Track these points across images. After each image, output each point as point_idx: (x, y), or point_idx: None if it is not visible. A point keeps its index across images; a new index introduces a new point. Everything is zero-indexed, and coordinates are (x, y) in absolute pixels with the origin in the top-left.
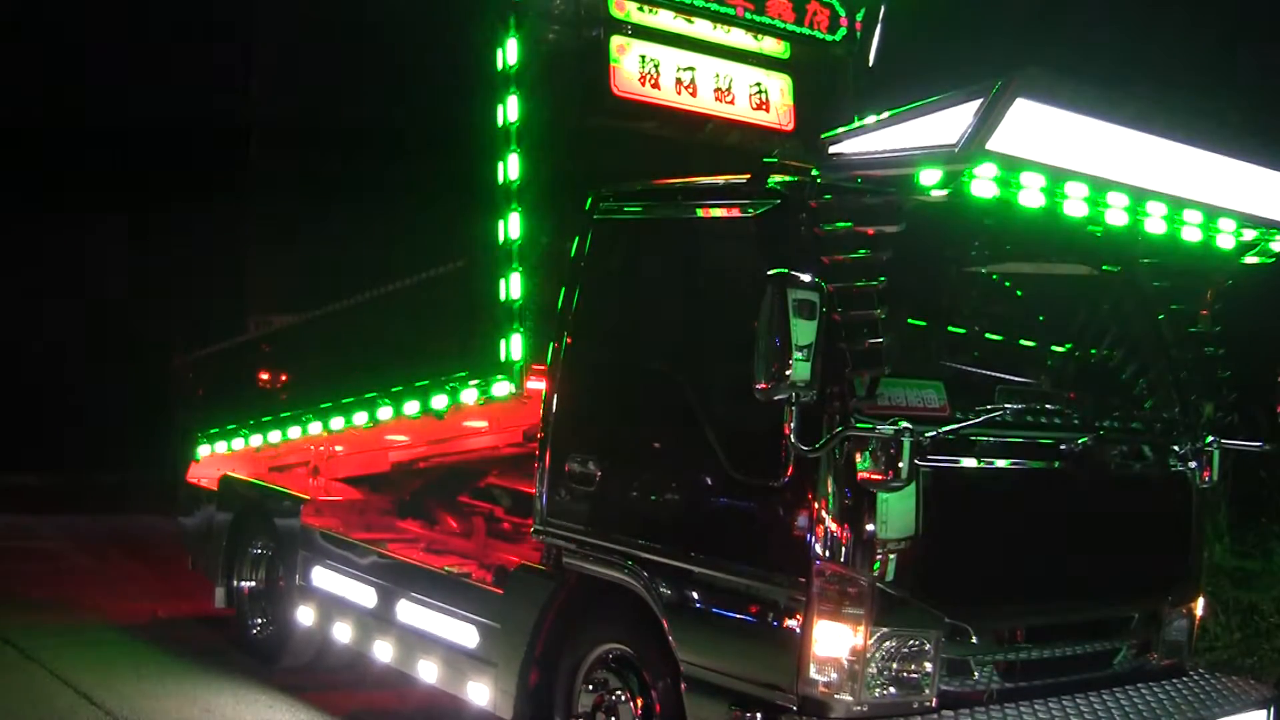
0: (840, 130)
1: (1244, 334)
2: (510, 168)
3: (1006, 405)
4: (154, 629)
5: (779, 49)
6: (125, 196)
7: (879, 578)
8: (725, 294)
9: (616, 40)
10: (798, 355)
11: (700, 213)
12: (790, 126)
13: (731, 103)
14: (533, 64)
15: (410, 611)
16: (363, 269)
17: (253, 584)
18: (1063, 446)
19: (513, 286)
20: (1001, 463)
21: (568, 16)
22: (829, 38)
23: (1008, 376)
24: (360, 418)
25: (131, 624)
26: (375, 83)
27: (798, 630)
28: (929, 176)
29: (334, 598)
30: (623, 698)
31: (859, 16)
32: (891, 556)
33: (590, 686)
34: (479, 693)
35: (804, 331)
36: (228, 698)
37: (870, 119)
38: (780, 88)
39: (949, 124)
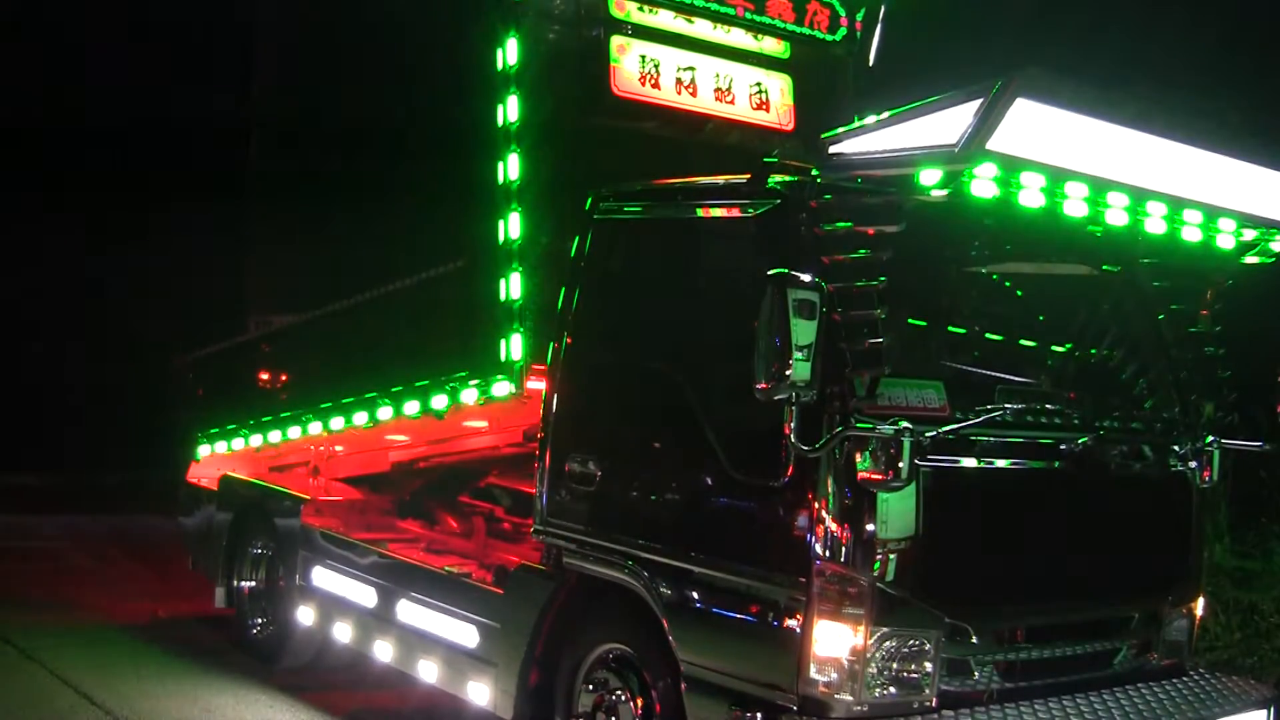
0: (840, 130)
1: (1244, 334)
2: (510, 168)
3: (1006, 405)
4: (154, 629)
5: (779, 49)
6: (125, 196)
7: (879, 578)
8: (725, 294)
9: (616, 40)
10: (798, 355)
11: (700, 213)
12: (790, 126)
13: (731, 103)
14: (533, 64)
15: (410, 611)
16: (363, 269)
17: (253, 584)
18: (1063, 446)
19: (513, 286)
20: (1001, 463)
21: (568, 16)
22: (829, 38)
23: (1008, 376)
24: (360, 418)
25: (131, 624)
26: (375, 83)
27: (798, 630)
28: (929, 176)
29: (334, 597)
30: (623, 697)
31: (859, 16)
32: (891, 556)
33: (590, 686)
34: (479, 693)
35: (804, 331)
36: (228, 698)
37: (870, 119)
38: (780, 88)
39: (949, 124)
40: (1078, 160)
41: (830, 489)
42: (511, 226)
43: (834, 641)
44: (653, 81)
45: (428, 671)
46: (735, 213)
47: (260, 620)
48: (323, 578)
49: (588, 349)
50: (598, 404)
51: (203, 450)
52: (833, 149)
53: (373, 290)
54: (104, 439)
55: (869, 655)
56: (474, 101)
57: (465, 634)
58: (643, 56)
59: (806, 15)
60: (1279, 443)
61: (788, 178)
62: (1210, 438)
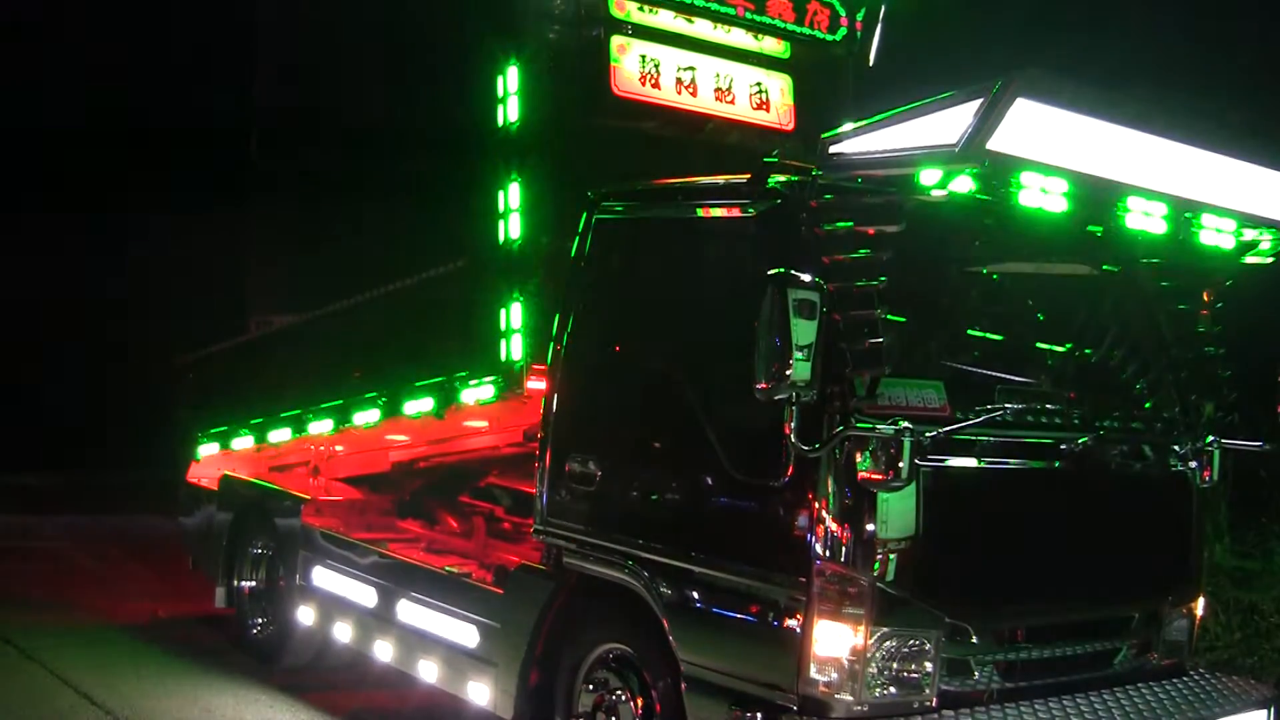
0: (840, 130)
1: (1244, 334)
2: (510, 168)
3: (1006, 405)
4: (154, 629)
5: (779, 49)
6: (125, 196)
7: (879, 578)
8: (725, 294)
9: (617, 40)
10: (798, 355)
11: (700, 213)
12: (790, 126)
13: (732, 102)
14: (533, 64)
15: (410, 611)
16: (363, 269)
17: (253, 584)
18: (1063, 446)
19: (513, 286)
20: (1001, 463)
21: (568, 16)
22: (829, 37)
23: (1008, 376)
24: (360, 417)
25: (131, 624)
26: (376, 83)
27: (798, 630)
28: (929, 176)
29: (334, 597)
30: (623, 697)
31: (859, 16)
32: (892, 556)
33: (590, 686)
34: (479, 692)
35: (804, 331)
36: (228, 698)
37: (870, 119)
38: (780, 87)
39: (949, 124)
40: (1078, 160)
41: (830, 489)
42: (511, 227)
43: (834, 641)
44: (653, 81)
45: (428, 671)
46: (735, 212)
47: (260, 620)
48: (323, 578)
49: (588, 349)
50: (598, 404)
51: (203, 450)
52: (833, 149)
53: (373, 290)
54: (104, 439)
55: (869, 655)
56: (474, 102)
57: (465, 634)
58: (643, 56)
59: (806, 15)
60: (1279, 443)
61: (788, 177)
62: (1210, 438)
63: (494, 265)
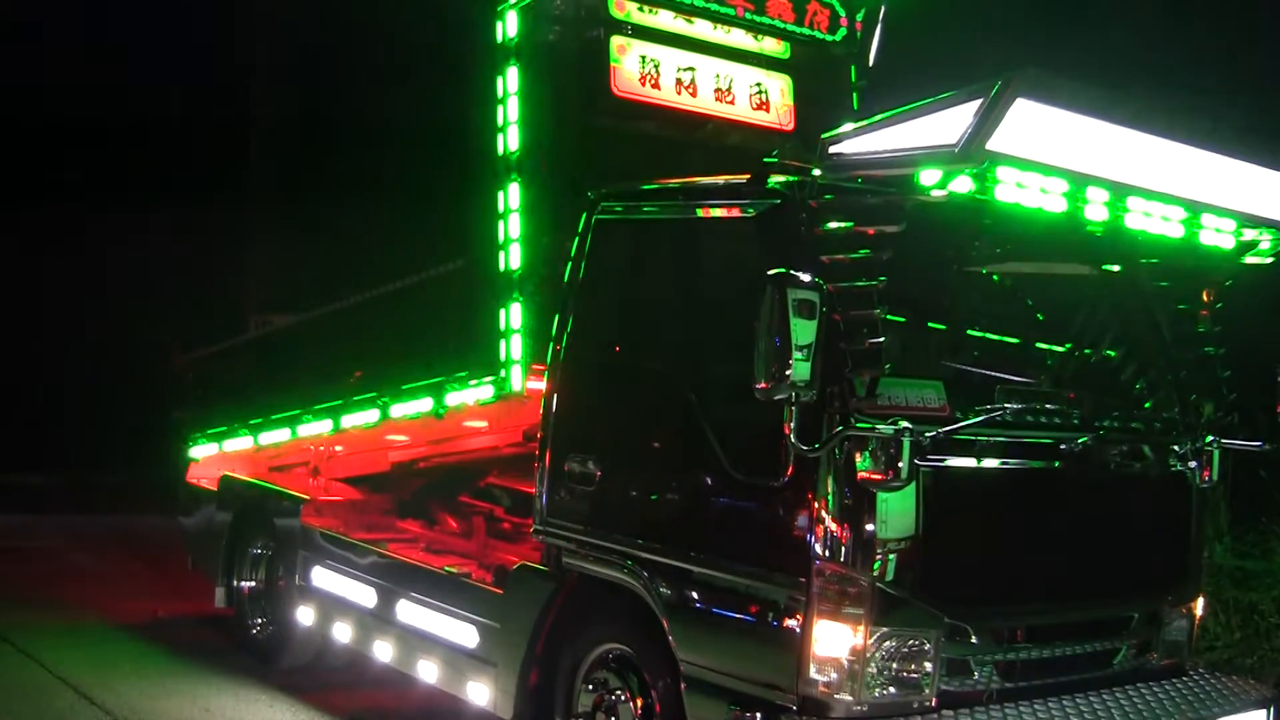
0: (840, 130)
1: (1244, 334)
2: (510, 169)
3: (1006, 405)
4: (154, 629)
5: (779, 49)
6: (126, 196)
7: (879, 578)
8: (725, 294)
9: (616, 40)
10: (798, 355)
11: (700, 213)
12: (790, 126)
13: (731, 103)
14: (533, 64)
15: (410, 611)
16: (362, 269)
17: (253, 584)
18: (1063, 446)
19: (512, 286)
20: (1001, 463)
21: (568, 17)
22: (829, 38)
23: (1008, 376)
24: (360, 417)
25: (131, 624)
26: (376, 84)
27: (798, 630)
28: (929, 176)
29: (334, 598)
30: (623, 697)
31: (859, 16)
32: (891, 556)
33: (590, 686)
34: (479, 693)
35: (804, 331)
36: (228, 698)
37: (870, 119)
38: (780, 88)
39: (949, 124)
40: (1077, 160)
41: (830, 489)
42: (511, 226)
43: (834, 641)
44: (653, 82)
45: (427, 671)
46: (735, 213)
47: (260, 620)
48: (323, 578)
49: (587, 349)
50: (598, 404)
51: (203, 450)
52: (833, 149)
53: (373, 290)
54: (104, 439)
55: (869, 655)
56: (474, 102)
57: (465, 634)
58: (643, 57)
59: (806, 15)
60: (1279, 443)
61: (788, 178)
62: (1210, 437)
63: (493, 265)
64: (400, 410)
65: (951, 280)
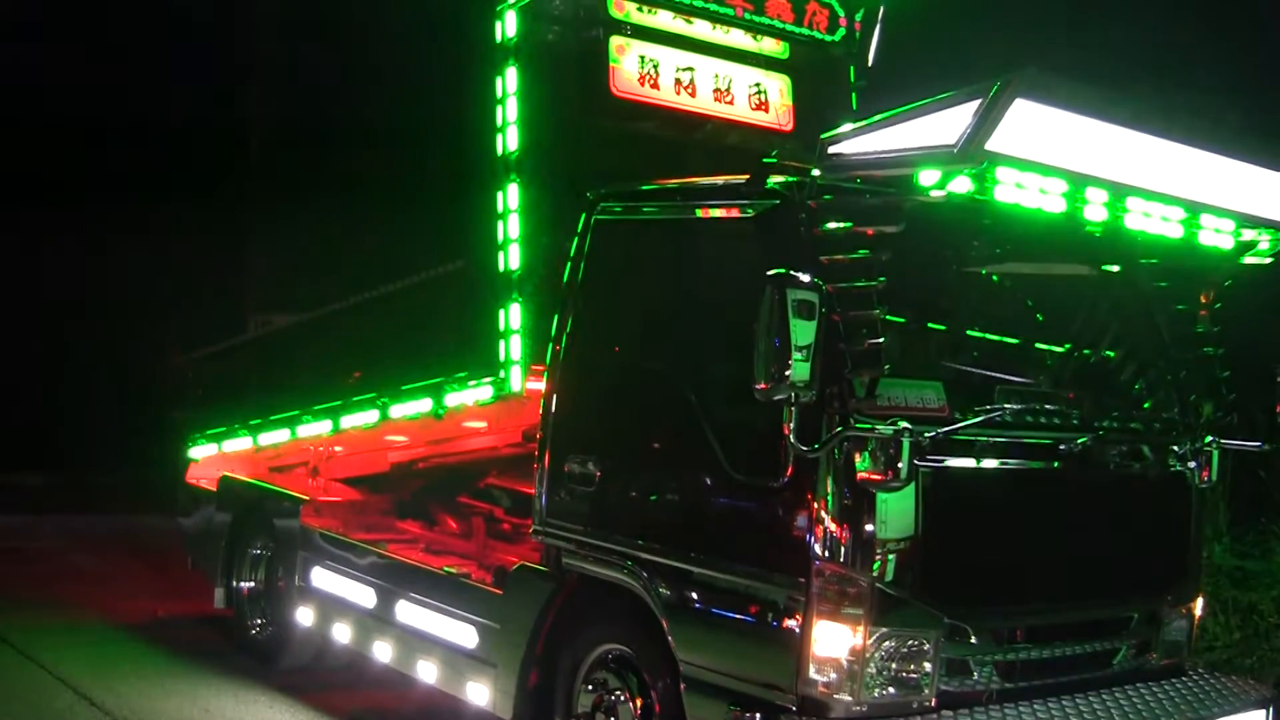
0: (839, 130)
1: (1244, 334)
2: (509, 168)
3: (1006, 405)
4: (154, 629)
5: (778, 49)
6: (125, 196)
7: (878, 578)
8: (725, 294)
9: (616, 40)
10: (797, 355)
11: (700, 213)
12: (789, 126)
13: (731, 103)
14: (532, 64)
15: (410, 612)
16: (363, 269)
17: (252, 584)
18: (1062, 446)
19: (511, 287)
20: (1001, 463)
21: (567, 17)
22: (828, 38)
23: (1007, 376)
24: (359, 418)
25: (131, 624)
26: (376, 84)
27: (797, 630)
28: (928, 177)
29: (333, 598)
30: (622, 698)
31: (858, 16)
32: (891, 556)
33: (590, 686)
34: (478, 693)
35: (803, 332)
36: (228, 698)
37: (870, 119)
38: (779, 88)
39: (948, 124)
40: (1077, 160)
41: (829, 489)
42: (511, 227)
43: (833, 641)
44: (652, 82)
45: (427, 672)
46: (734, 213)
47: (260, 621)
48: (322, 578)
49: (587, 349)
50: (597, 404)
51: (202, 450)
52: (832, 149)
53: (373, 290)
54: (104, 439)
55: (868, 655)
56: (473, 102)
57: (464, 634)
58: (642, 57)
59: (805, 15)
60: (1278, 443)
61: (787, 178)
62: (1209, 437)
63: (493, 265)
64: (399, 410)
65: (951, 280)
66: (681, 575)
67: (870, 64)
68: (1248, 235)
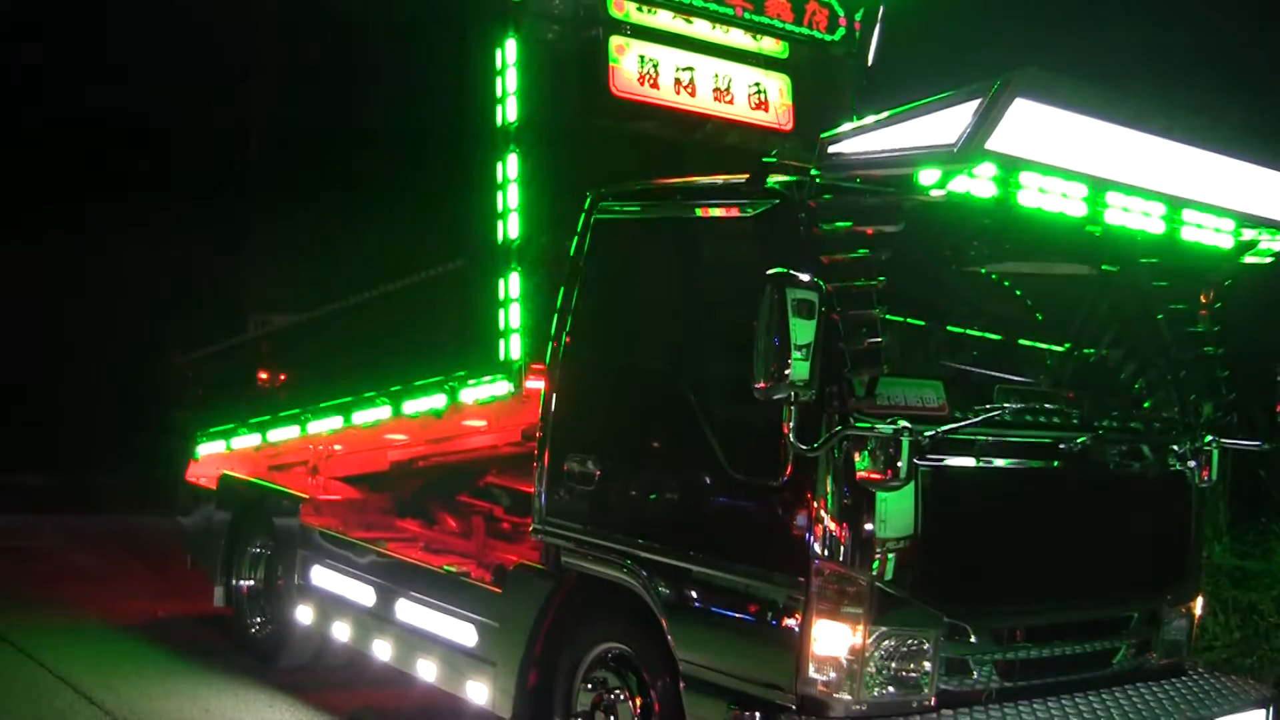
0: (839, 130)
1: (1244, 334)
2: (509, 167)
3: (1006, 405)
4: (154, 629)
5: (778, 49)
6: (125, 196)
7: (878, 577)
8: (724, 294)
9: (615, 40)
10: (796, 355)
11: (699, 213)
12: (789, 126)
13: (730, 103)
14: (532, 64)
15: (409, 610)
16: (362, 269)
17: (252, 583)
18: (1062, 446)
19: (512, 286)
20: (1001, 462)
21: (567, 16)
22: (828, 37)
23: (1007, 376)
24: (359, 417)
25: (131, 624)
26: (375, 83)
27: (797, 629)
28: (928, 176)
29: (333, 597)
30: (622, 697)
31: (858, 16)
32: (890, 556)
33: (589, 685)
34: (478, 692)
35: (803, 331)
36: (228, 697)
37: (870, 119)
38: (779, 87)
39: (948, 124)
40: (1077, 160)
41: (829, 488)
42: (510, 226)
43: (833, 641)
44: (651, 81)
45: (426, 671)
46: (734, 213)
47: (259, 619)
48: (322, 577)
49: (587, 348)
50: (597, 403)
51: (202, 449)
52: (832, 149)
53: (372, 290)
54: (104, 439)
55: (868, 654)
56: (473, 102)
57: (464, 633)
58: (641, 56)
59: (805, 15)
60: (1278, 442)
61: (787, 177)
62: (1209, 437)
63: (493, 265)
64: (400, 409)
65: (951, 280)
66: (681, 574)
67: (870, 63)
68: (1248, 234)
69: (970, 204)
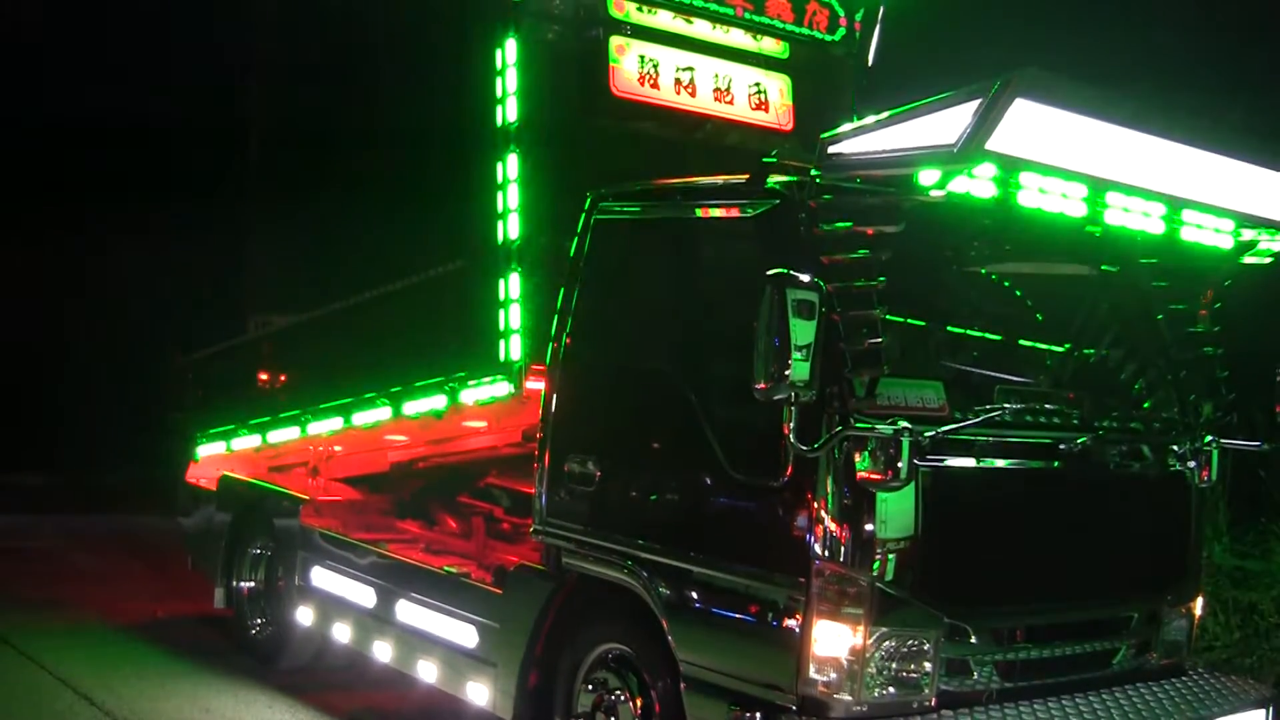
0: (839, 130)
1: (1244, 334)
2: (509, 168)
3: (1006, 405)
4: (154, 629)
5: (778, 49)
6: (125, 196)
7: (878, 577)
8: (724, 294)
9: (616, 40)
10: (797, 355)
11: (699, 213)
12: (789, 126)
13: (730, 103)
14: (532, 64)
15: (410, 611)
16: (362, 269)
17: (252, 584)
18: (1062, 446)
19: (512, 287)
20: (1001, 463)
21: (567, 16)
22: (828, 38)
23: (1007, 376)
24: (360, 418)
25: (131, 624)
26: (375, 83)
27: (797, 630)
28: (928, 176)
29: (333, 598)
30: (622, 698)
31: (858, 16)
32: (891, 556)
33: (590, 686)
34: (478, 693)
35: (803, 331)
36: (228, 698)
37: (870, 119)
38: (779, 88)
39: (948, 124)
40: (1077, 160)
41: (829, 489)
42: (510, 227)
43: (833, 641)
44: (652, 82)
45: (427, 672)
46: (734, 213)
47: (260, 621)
48: (322, 578)
49: (587, 349)
50: (597, 404)
51: (202, 450)
52: (832, 149)
53: (372, 290)
54: (104, 439)
55: (868, 655)
56: (473, 102)
57: (464, 634)
58: (642, 57)
59: (805, 15)
60: (1278, 442)
61: (787, 178)
62: (1209, 437)
63: (493, 265)
64: (400, 410)
65: (951, 280)
66: (681, 575)
67: (870, 64)
68: (1248, 235)
69: (970, 204)
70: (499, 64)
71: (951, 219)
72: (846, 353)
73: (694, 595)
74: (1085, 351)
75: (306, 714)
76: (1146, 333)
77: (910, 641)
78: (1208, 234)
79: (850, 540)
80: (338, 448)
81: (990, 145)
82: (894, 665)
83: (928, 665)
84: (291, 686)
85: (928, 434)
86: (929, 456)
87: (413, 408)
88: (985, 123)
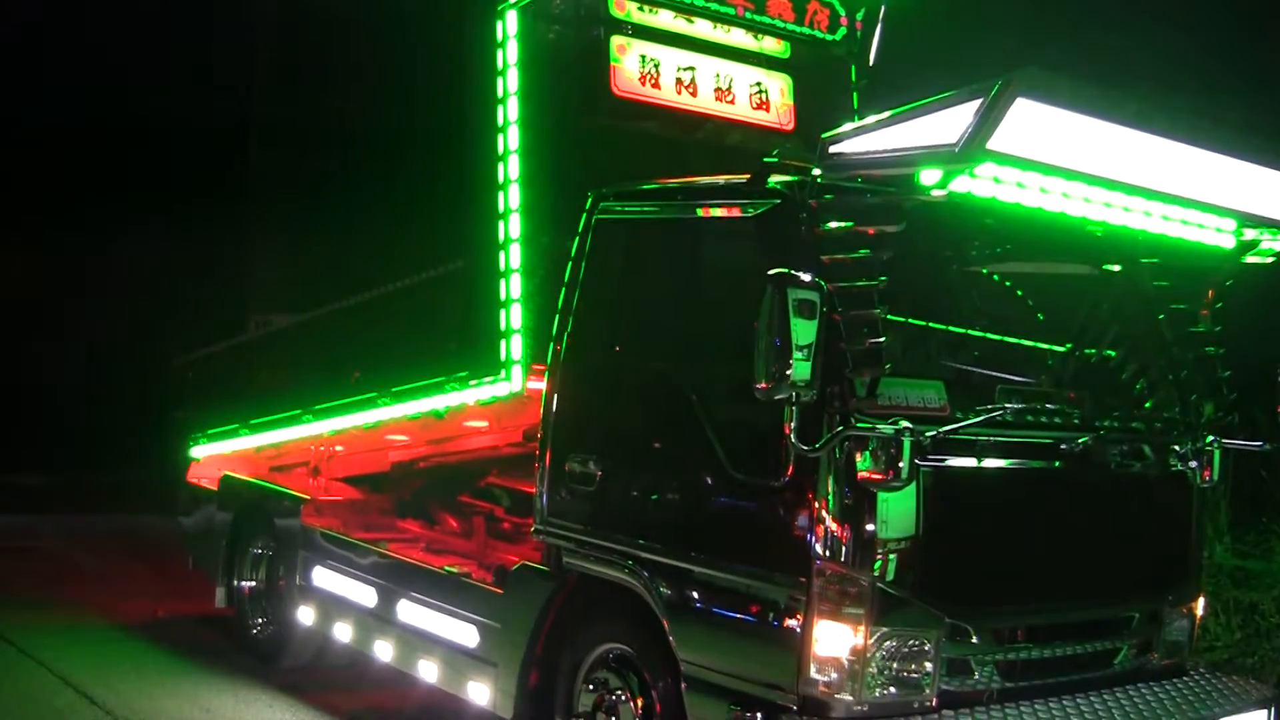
0: (840, 130)
1: (1244, 334)
2: (510, 168)
3: (1007, 405)
4: (154, 629)
5: (779, 49)
6: (126, 196)
7: (879, 577)
8: (725, 294)
9: (616, 40)
10: (798, 355)
11: (700, 212)
12: (790, 126)
13: (731, 102)
14: (533, 64)
15: (410, 611)
16: (363, 269)
17: (253, 584)
18: (1063, 446)
19: (513, 287)
20: (1001, 463)
21: (568, 16)
22: (829, 37)
23: (1009, 376)
24: (360, 418)
25: (131, 624)
26: (375, 83)
27: (798, 630)
28: (929, 176)
29: (334, 597)
30: (623, 697)
31: (859, 16)
32: (891, 556)
33: (590, 686)
34: (479, 692)
35: (804, 331)
36: (228, 698)
37: (871, 118)
38: (780, 87)
39: (949, 123)
40: (1078, 160)
41: (830, 489)
42: (511, 227)
43: (834, 641)
44: (653, 81)
45: (428, 671)
46: (735, 212)
47: (261, 620)
48: (323, 578)
49: (588, 349)
50: (598, 404)
51: (203, 450)
52: (833, 149)
53: (373, 290)
54: (104, 439)
55: (869, 655)
56: (474, 102)
57: (465, 634)
58: (643, 56)
59: (806, 15)
60: (1279, 442)
61: (788, 177)
62: (1210, 437)
63: (493, 265)
64: (401, 410)
65: (952, 280)
66: (682, 575)
67: (871, 63)
68: (1249, 235)
69: (971, 204)
70: (499, 64)
71: (952, 219)
72: (847, 352)
73: (695, 595)
74: (1086, 351)
75: (307, 713)
76: (1148, 332)
77: (911, 641)
78: (1209, 233)
79: (851, 540)
80: (339, 447)
81: (991, 145)
82: (895, 665)
83: (929, 665)
84: (292, 686)
85: (929, 434)
86: (930, 456)
87: (413, 407)
88: (986, 122)
